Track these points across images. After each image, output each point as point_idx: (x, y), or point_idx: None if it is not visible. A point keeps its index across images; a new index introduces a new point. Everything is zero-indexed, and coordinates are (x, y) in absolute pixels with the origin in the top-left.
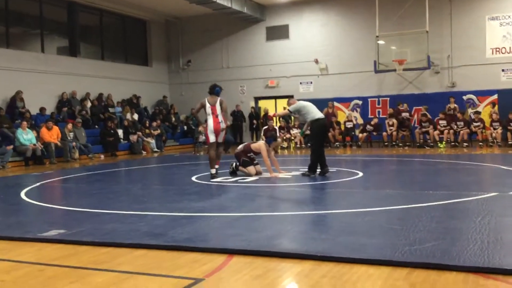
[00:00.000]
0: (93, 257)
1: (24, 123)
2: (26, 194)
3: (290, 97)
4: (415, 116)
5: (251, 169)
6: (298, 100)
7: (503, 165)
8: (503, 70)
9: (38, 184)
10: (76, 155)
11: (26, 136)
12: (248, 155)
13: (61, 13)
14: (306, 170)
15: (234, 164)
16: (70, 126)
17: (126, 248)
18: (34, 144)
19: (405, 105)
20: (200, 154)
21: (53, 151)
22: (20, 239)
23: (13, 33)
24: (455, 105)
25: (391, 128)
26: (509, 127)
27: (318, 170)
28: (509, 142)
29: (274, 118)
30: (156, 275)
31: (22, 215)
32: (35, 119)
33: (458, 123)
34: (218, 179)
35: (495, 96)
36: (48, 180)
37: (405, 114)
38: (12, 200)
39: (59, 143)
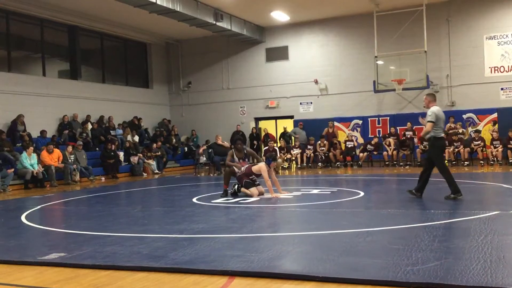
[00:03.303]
0: (94, 281)
1: (31, 148)
2: (26, 217)
3: (290, 117)
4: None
5: (253, 190)
6: (299, 120)
7: (505, 183)
8: (502, 89)
9: (38, 207)
10: (77, 177)
11: (30, 162)
12: (250, 177)
13: (62, 37)
14: (451, 194)
15: (236, 185)
16: (70, 148)
17: (126, 271)
18: (37, 171)
19: (409, 123)
20: (201, 175)
21: (54, 174)
22: (20, 262)
23: (15, 57)
24: (455, 125)
25: (390, 147)
26: (509, 145)
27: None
28: (510, 161)
29: (278, 139)
30: None
31: (22, 238)
32: (36, 142)
33: (455, 143)
34: (219, 200)
35: (495, 115)
36: (49, 203)
37: (408, 133)
38: (12, 223)
39: (60, 165)
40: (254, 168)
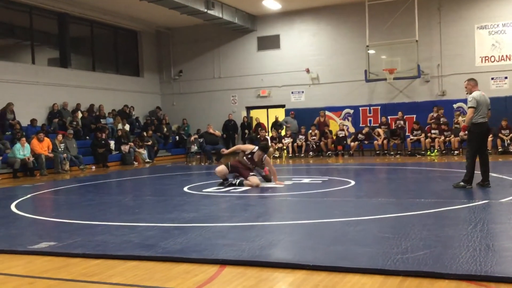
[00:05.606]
0: (84, 269)
1: (23, 139)
2: (16, 206)
3: (281, 106)
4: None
5: (252, 179)
6: (290, 109)
7: (494, 172)
8: (492, 79)
9: (28, 196)
10: (67, 166)
11: (24, 153)
12: (248, 159)
13: (52, 25)
14: (461, 181)
15: (238, 180)
16: (60, 137)
17: (117, 260)
18: (28, 158)
19: (400, 113)
20: (192, 164)
21: (44, 163)
22: (9, 251)
23: (4, 44)
24: (438, 114)
25: (380, 137)
26: (499, 134)
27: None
28: (499, 150)
29: (268, 128)
30: (148, 286)
31: (12, 227)
32: (26, 130)
33: (445, 133)
34: (210, 189)
35: None
36: (39, 192)
37: (399, 122)
38: (2, 212)
39: (50, 155)
40: (245, 146)
